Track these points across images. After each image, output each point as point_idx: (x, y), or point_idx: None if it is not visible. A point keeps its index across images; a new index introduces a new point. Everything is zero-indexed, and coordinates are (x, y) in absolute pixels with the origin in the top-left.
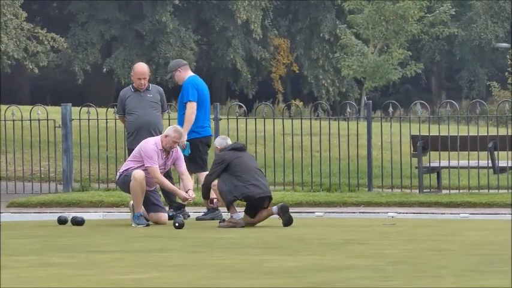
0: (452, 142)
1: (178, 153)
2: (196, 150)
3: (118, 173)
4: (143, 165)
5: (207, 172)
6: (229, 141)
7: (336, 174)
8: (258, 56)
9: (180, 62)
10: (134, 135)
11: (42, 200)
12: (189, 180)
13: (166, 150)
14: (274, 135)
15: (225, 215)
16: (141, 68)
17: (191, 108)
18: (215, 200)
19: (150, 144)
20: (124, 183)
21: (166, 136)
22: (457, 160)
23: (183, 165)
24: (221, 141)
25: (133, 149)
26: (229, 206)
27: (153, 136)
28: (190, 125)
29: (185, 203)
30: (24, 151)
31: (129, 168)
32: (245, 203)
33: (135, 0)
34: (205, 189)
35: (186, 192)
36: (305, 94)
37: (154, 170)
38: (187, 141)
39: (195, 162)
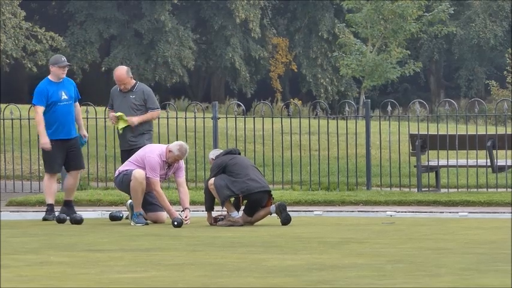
0: (450, 141)
1: (180, 163)
2: (53, 150)
3: (117, 172)
4: (144, 169)
5: (51, 174)
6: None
7: (335, 173)
8: (256, 55)
9: (60, 61)
10: (119, 135)
11: (41, 199)
12: (186, 196)
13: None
14: (272, 134)
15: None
16: (119, 74)
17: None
18: (219, 220)
19: (154, 156)
20: (122, 182)
21: (170, 151)
22: (456, 159)
23: (182, 176)
24: (214, 152)
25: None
26: (225, 202)
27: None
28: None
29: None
30: (23, 150)
31: (128, 170)
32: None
33: None
34: (208, 198)
35: (183, 210)
36: (304, 93)
37: (155, 182)
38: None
39: (48, 162)
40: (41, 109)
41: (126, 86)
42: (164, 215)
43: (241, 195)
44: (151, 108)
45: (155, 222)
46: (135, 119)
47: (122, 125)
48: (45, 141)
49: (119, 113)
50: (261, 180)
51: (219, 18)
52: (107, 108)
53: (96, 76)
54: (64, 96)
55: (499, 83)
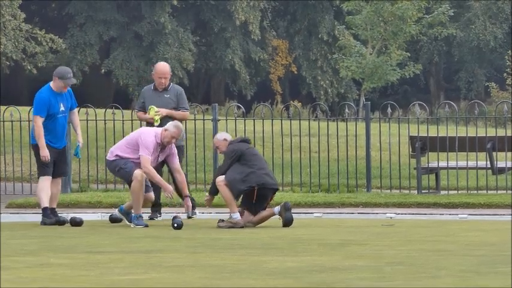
0: (450, 143)
1: (173, 149)
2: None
3: (110, 153)
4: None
5: (48, 177)
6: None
7: (335, 175)
8: (256, 57)
9: (67, 77)
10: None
11: None
12: (184, 183)
13: (163, 145)
14: (272, 136)
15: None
16: (162, 67)
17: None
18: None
19: (150, 136)
20: (117, 172)
21: (166, 130)
22: (456, 161)
23: (176, 162)
24: (224, 135)
25: None
26: (239, 196)
27: None
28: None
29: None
30: (22, 152)
31: (124, 158)
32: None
33: (133, 1)
34: (214, 185)
35: (184, 198)
36: (303, 95)
37: (146, 159)
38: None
39: (41, 165)
40: (41, 120)
41: (166, 82)
42: (152, 194)
43: (257, 187)
44: (183, 108)
45: (144, 202)
46: (164, 111)
47: (156, 116)
48: (46, 154)
49: (151, 106)
50: (274, 177)
51: (218, 20)
52: (135, 110)
53: (96, 78)
54: (62, 108)
55: (498, 85)
